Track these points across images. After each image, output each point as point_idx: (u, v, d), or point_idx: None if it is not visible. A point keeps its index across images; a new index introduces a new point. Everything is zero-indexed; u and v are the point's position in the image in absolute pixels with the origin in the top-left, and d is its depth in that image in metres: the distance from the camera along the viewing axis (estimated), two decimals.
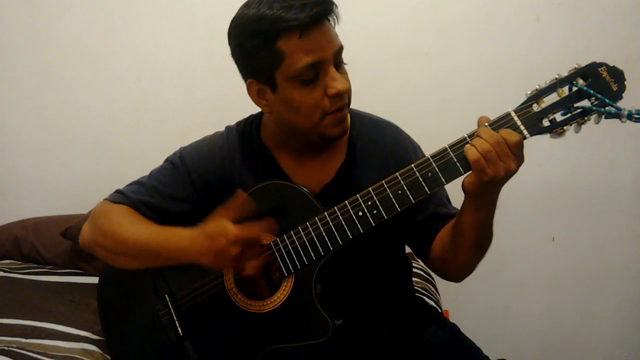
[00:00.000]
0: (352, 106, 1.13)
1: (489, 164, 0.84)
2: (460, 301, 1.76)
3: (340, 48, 0.94)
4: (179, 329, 1.05)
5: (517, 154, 0.85)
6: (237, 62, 0.99)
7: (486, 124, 0.87)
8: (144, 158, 1.18)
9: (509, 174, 0.86)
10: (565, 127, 0.86)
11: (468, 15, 1.75)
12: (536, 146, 1.74)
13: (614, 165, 1.80)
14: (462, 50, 1.77)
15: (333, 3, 0.93)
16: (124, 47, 1.84)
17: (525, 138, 0.86)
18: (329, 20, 0.93)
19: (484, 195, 0.90)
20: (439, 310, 1.43)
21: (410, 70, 1.80)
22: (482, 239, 0.97)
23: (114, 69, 1.85)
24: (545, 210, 1.86)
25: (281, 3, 0.88)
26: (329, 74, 0.92)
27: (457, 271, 1.04)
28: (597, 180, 1.82)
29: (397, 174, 0.91)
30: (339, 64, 0.95)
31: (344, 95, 0.95)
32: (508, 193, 1.86)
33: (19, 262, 1.69)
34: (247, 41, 0.92)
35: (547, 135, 0.87)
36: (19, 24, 1.84)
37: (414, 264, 1.40)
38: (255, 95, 0.99)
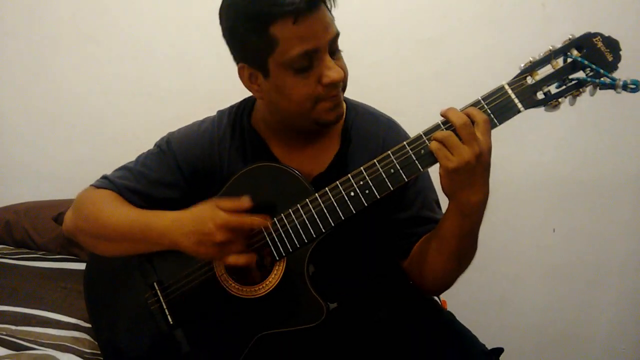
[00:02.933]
0: (349, 96, 1.11)
1: (452, 150, 0.82)
2: (457, 290, 1.72)
3: (337, 35, 0.91)
4: (169, 317, 1.03)
5: (483, 135, 0.82)
6: (228, 44, 0.96)
7: (480, 97, 0.85)
8: (139, 143, 1.16)
9: (480, 160, 0.82)
10: (560, 100, 0.84)
11: (471, 1, 1.70)
12: (539, 134, 1.74)
13: (618, 157, 1.77)
14: (465, 37, 1.73)
15: None
16: (120, 29, 1.80)
17: (519, 111, 0.85)
18: (325, 5, 0.89)
19: (462, 194, 0.85)
20: (435, 298, 1.42)
21: (411, 57, 1.76)
22: (462, 251, 0.94)
23: (109, 52, 1.82)
24: (547, 201, 1.83)
25: None
26: (324, 62, 0.89)
27: (433, 281, 1.01)
28: (600, 172, 1.79)
29: (389, 152, 0.88)
30: (334, 51, 0.92)
31: (339, 83, 0.92)
32: (509, 181, 1.85)
33: (11, 248, 1.67)
34: (240, 25, 0.89)
35: (542, 108, 0.85)
36: (11, 5, 1.80)
37: None
38: (247, 79, 0.96)
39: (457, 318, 1.12)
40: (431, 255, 0.97)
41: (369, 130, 1.05)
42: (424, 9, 1.72)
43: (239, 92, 1.10)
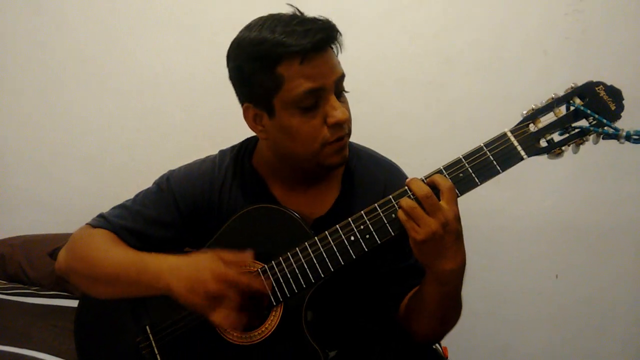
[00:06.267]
0: (352, 138, 1.11)
1: (417, 222, 0.82)
2: (459, 337, 1.68)
3: (342, 76, 0.92)
4: None
5: (449, 204, 0.82)
6: (234, 85, 0.96)
7: (482, 144, 0.85)
8: (141, 177, 1.16)
9: (448, 229, 0.81)
10: (563, 148, 0.84)
11: (474, 47, 1.73)
12: (540, 179, 1.73)
13: (620, 202, 1.76)
14: (468, 82, 1.75)
15: (337, 31, 0.91)
16: (125, 64, 1.83)
17: (522, 159, 0.84)
18: (332, 48, 0.91)
19: (435, 263, 0.85)
20: (437, 347, 1.38)
21: (413, 100, 1.77)
22: (443, 314, 0.93)
23: (114, 86, 1.84)
24: (550, 246, 1.81)
25: (284, 28, 0.86)
26: (330, 102, 0.89)
27: (420, 337, 0.99)
28: (603, 217, 1.78)
29: (390, 196, 0.87)
30: (340, 93, 0.93)
31: (344, 125, 0.92)
32: (511, 227, 1.83)
33: (4, 282, 1.64)
34: (247, 64, 0.90)
35: (545, 156, 0.85)
36: (20, 37, 1.83)
37: None
38: (252, 120, 0.96)
39: None
40: (415, 314, 0.97)
41: (371, 175, 1.05)
42: (427, 52, 1.74)
43: (241, 130, 1.10)
